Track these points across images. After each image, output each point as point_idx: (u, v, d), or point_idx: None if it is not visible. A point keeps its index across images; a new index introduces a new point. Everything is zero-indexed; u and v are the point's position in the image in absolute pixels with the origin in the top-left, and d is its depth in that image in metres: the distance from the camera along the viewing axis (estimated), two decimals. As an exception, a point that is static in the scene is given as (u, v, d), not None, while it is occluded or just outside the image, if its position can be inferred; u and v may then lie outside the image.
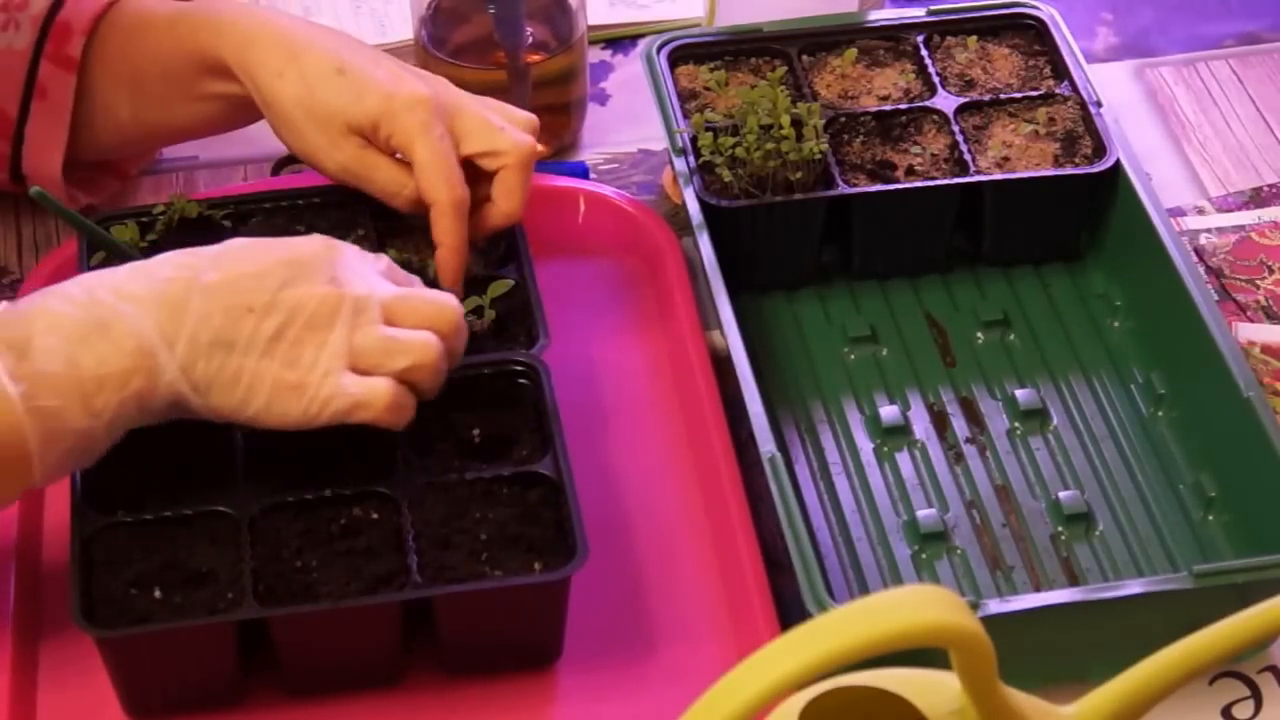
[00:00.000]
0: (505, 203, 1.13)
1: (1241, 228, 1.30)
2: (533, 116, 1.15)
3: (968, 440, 1.15)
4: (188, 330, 0.97)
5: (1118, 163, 1.22)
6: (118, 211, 1.17)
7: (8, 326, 0.96)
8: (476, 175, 1.13)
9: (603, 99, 1.39)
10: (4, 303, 0.99)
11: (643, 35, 1.40)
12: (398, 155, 1.13)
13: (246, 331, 0.97)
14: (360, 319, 0.99)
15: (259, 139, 1.22)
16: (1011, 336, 1.22)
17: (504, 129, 1.12)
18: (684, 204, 1.20)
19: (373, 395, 0.99)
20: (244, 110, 1.18)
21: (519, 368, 1.08)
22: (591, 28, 1.36)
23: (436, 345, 1.01)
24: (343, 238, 1.08)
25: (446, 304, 1.03)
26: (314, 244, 1.01)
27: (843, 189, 1.20)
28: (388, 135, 1.11)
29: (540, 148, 1.15)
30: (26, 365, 0.95)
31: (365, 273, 1.02)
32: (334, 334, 0.99)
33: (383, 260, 1.05)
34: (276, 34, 1.14)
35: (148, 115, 1.20)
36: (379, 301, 1.00)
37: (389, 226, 1.16)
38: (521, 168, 1.12)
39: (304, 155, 1.15)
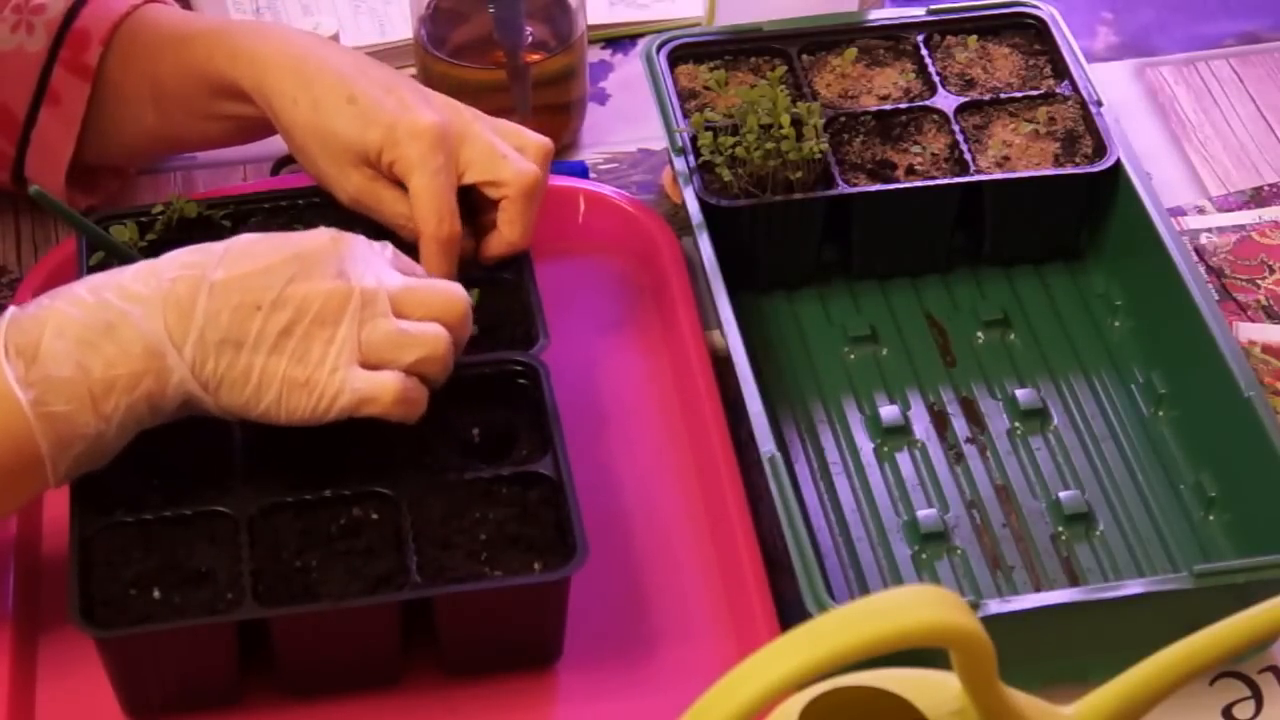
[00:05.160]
0: (508, 231, 1.13)
1: (1242, 227, 1.30)
2: (547, 141, 1.14)
3: (968, 440, 1.15)
4: (196, 330, 0.97)
5: (1118, 162, 1.22)
6: (117, 211, 1.16)
7: (20, 331, 0.96)
8: (484, 202, 1.13)
9: (602, 99, 1.39)
10: (13, 307, 0.98)
11: (643, 35, 1.40)
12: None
13: (255, 329, 0.97)
14: (368, 312, 0.99)
15: (258, 139, 1.22)
16: (1012, 336, 1.22)
17: (507, 157, 1.12)
18: (684, 204, 1.20)
19: (381, 390, 0.99)
20: (255, 130, 1.18)
21: (519, 368, 1.08)
22: (591, 27, 1.36)
23: (445, 337, 1.01)
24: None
25: (454, 294, 1.03)
26: (321, 238, 1.01)
27: (843, 189, 1.20)
28: (390, 164, 1.11)
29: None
30: (36, 370, 0.95)
31: (373, 264, 1.01)
32: (342, 329, 0.98)
33: (389, 247, 1.04)
34: (291, 58, 1.13)
35: (160, 128, 1.20)
36: (387, 294, 1.00)
37: (387, 229, 1.15)
38: (524, 197, 1.12)
39: (319, 181, 1.15)
